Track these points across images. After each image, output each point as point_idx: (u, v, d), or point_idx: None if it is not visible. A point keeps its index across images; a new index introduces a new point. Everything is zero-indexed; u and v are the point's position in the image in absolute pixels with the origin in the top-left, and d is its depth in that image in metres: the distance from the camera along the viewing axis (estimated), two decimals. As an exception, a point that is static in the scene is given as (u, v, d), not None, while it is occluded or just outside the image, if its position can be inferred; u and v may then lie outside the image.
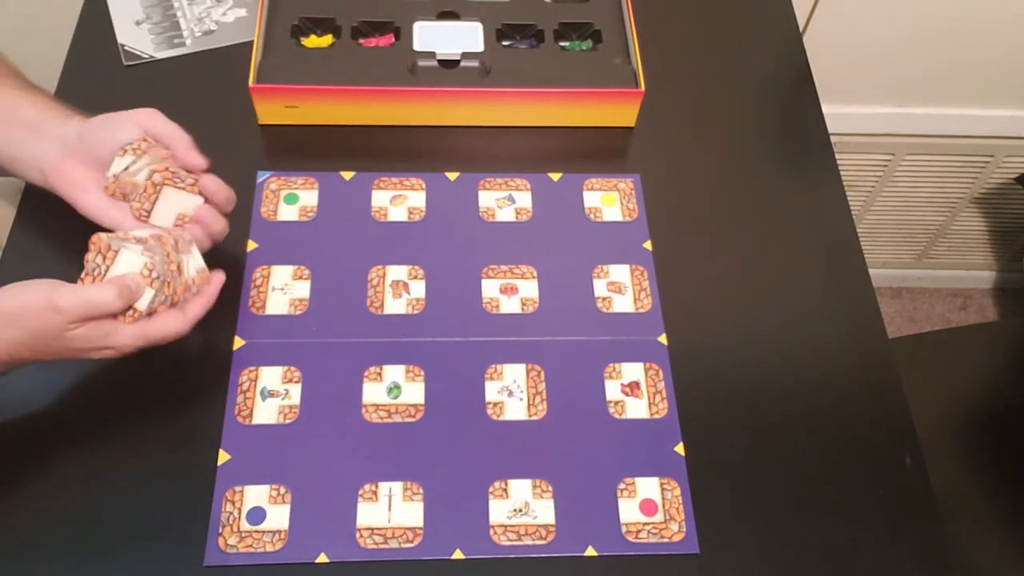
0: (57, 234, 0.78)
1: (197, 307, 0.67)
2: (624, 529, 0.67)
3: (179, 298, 0.66)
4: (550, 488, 0.69)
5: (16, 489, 0.66)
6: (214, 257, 0.76)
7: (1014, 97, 1.35)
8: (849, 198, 0.86)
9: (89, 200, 0.71)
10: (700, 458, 0.71)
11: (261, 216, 0.81)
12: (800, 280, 0.81)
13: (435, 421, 0.71)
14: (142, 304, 0.64)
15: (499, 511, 0.67)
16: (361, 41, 0.89)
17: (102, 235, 0.65)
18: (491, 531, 0.66)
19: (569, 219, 0.83)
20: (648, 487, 0.69)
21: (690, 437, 0.71)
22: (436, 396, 0.72)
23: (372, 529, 0.66)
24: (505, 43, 0.90)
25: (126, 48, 0.91)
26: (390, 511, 0.67)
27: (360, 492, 0.67)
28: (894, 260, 1.72)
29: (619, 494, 0.69)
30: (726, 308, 0.79)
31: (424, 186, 0.84)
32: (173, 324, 0.66)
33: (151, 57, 0.90)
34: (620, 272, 0.80)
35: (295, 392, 0.72)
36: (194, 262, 0.68)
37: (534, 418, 0.72)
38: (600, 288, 0.79)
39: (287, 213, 0.81)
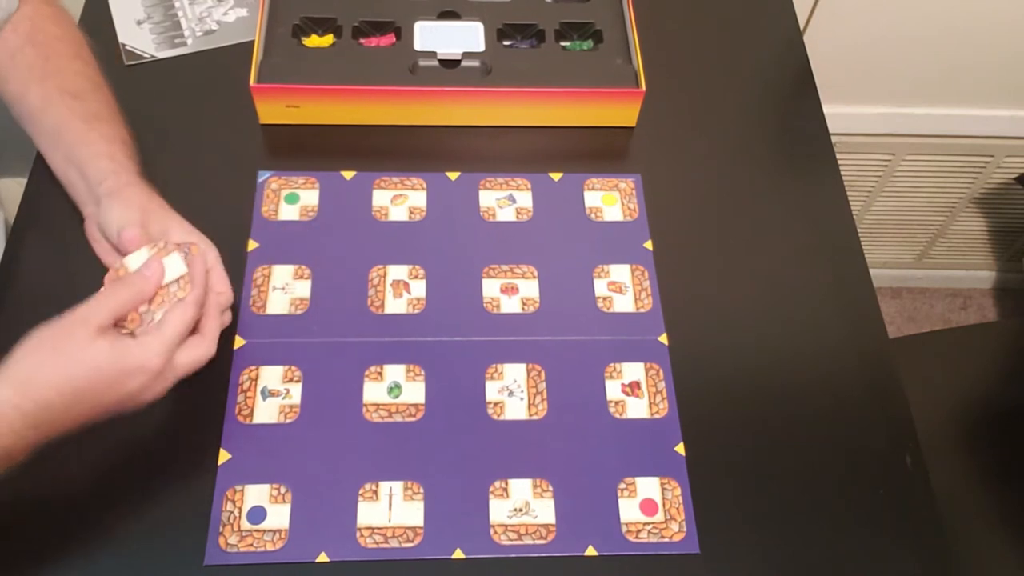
0: (58, 234, 0.79)
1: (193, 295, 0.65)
2: (624, 529, 0.67)
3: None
4: (550, 488, 0.69)
5: (15, 489, 0.66)
6: (221, 252, 0.76)
7: (1014, 97, 1.35)
8: (849, 198, 0.86)
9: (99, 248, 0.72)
10: (700, 458, 0.71)
11: (262, 216, 0.81)
12: (800, 280, 0.81)
13: (435, 421, 0.71)
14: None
15: (499, 510, 0.67)
16: (362, 41, 0.89)
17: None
18: (491, 530, 0.67)
19: (570, 219, 0.83)
20: (648, 487, 0.69)
21: (690, 437, 0.71)
22: (436, 396, 0.72)
23: (372, 528, 0.66)
24: (506, 43, 0.91)
25: (127, 48, 0.91)
26: (390, 510, 0.67)
27: (360, 491, 0.68)
28: (894, 260, 1.72)
29: (619, 494, 0.69)
30: (726, 308, 0.79)
31: (425, 186, 0.84)
32: (182, 313, 0.64)
33: (152, 57, 0.91)
34: (620, 272, 0.80)
35: (295, 391, 0.72)
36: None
37: (534, 418, 0.72)
38: (601, 288, 0.79)
39: (288, 213, 0.81)
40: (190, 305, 0.63)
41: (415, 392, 0.72)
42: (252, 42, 0.87)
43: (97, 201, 0.70)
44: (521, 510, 0.68)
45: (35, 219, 0.79)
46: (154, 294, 0.64)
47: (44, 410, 0.57)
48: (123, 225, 0.67)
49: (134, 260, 0.65)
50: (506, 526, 0.67)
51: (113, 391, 0.59)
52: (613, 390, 0.73)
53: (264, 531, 0.65)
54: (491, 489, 0.68)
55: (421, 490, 0.68)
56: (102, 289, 0.64)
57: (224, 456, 0.68)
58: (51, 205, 0.79)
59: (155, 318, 0.63)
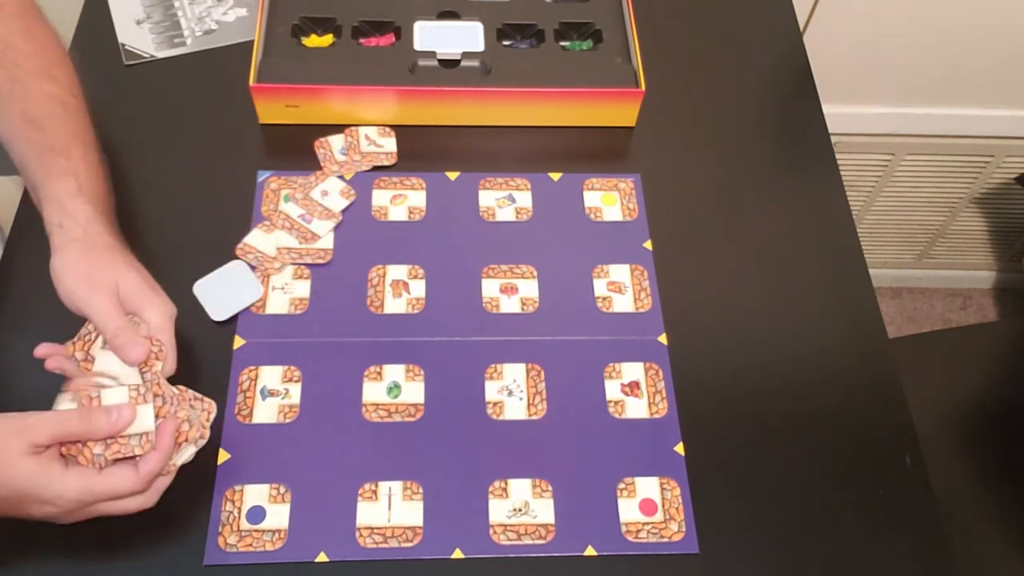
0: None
1: (152, 462, 0.60)
2: (624, 529, 0.67)
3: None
4: (550, 488, 0.69)
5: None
6: (221, 253, 0.76)
7: (1014, 97, 1.35)
8: (849, 198, 0.86)
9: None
10: (700, 458, 0.71)
11: (262, 215, 0.81)
12: (800, 280, 0.81)
13: (435, 421, 0.71)
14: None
15: (499, 510, 0.67)
16: (362, 41, 0.89)
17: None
18: (491, 530, 0.66)
19: (569, 219, 0.83)
20: (648, 487, 0.69)
21: (690, 437, 0.71)
22: (436, 396, 0.72)
23: (372, 528, 0.66)
24: (505, 43, 0.90)
25: (127, 47, 0.91)
26: (390, 510, 0.67)
27: (360, 491, 0.67)
28: (894, 260, 1.72)
29: (619, 494, 0.69)
30: (726, 308, 0.79)
31: (424, 186, 0.84)
32: (125, 478, 0.59)
33: (152, 56, 0.90)
34: (620, 272, 0.80)
35: (295, 391, 0.72)
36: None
37: (534, 418, 0.72)
38: (600, 288, 0.79)
39: (287, 212, 0.81)
40: (140, 480, 0.59)
41: (414, 392, 0.72)
42: (252, 42, 0.87)
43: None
44: (520, 510, 0.68)
45: (33, 219, 0.79)
46: (112, 436, 0.60)
47: None
48: (67, 297, 0.63)
49: (111, 395, 0.61)
50: (505, 526, 0.67)
51: (25, 508, 0.59)
52: (612, 390, 0.73)
53: (263, 531, 0.65)
54: (490, 489, 0.68)
55: (420, 490, 0.68)
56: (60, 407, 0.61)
57: (224, 456, 0.68)
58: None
59: (102, 464, 0.60)
